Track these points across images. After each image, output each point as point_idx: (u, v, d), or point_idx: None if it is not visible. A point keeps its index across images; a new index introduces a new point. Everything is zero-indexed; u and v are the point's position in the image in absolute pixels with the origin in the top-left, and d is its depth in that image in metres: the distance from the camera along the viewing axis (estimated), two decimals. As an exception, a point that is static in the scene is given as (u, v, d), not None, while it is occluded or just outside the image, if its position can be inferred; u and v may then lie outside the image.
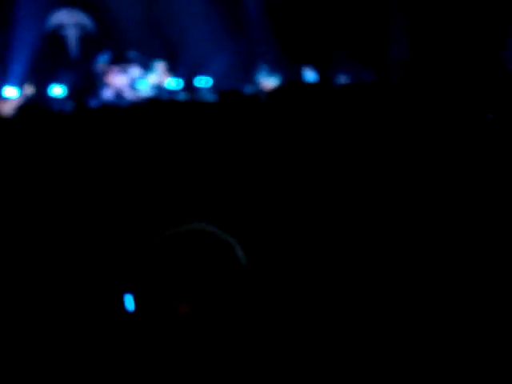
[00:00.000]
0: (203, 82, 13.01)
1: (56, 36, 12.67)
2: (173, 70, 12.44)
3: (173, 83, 12.30)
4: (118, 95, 11.72)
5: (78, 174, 3.64)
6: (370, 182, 3.21)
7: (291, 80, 11.18)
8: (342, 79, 11.59)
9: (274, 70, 12.22)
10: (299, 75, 12.18)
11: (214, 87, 12.22)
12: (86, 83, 12.15)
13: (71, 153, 3.93)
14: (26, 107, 6.04)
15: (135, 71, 12.31)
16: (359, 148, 3.51)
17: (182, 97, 11.95)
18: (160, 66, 12.15)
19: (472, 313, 2.08)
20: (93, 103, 11.33)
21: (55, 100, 11.63)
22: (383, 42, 13.04)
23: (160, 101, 6.03)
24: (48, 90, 11.72)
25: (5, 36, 11.52)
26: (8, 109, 10.64)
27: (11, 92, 10.85)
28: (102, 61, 12.19)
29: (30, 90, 11.00)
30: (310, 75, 12.16)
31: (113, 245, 2.76)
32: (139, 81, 12.23)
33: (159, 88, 12.08)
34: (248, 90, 9.85)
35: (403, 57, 12.00)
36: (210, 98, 12.01)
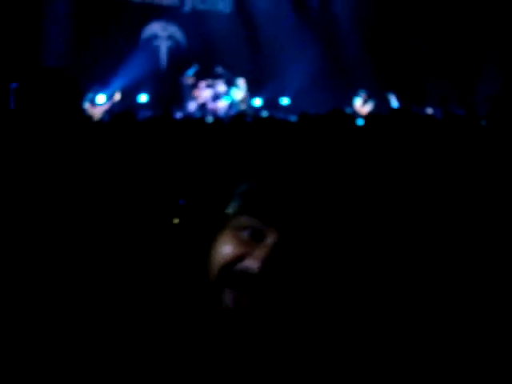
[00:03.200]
0: (286, 102, 13.13)
1: (149, 46, 13.07)
2: (257, 89, 12.60)
3: (257, 101, 12.46)
4: (203, 108, 11.95)
5: (154, 176, 3.73)
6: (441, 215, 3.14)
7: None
8: (429, 111, 11.44)
9: (369, 95, 12.22)
10: (387, 102, 12.14)
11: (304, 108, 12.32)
12: (173, 94, 12.44)
13: (151, 158, 4.04)
14: (114, 114, 6.23)
15: (221, 86, 12.55)
16: (434, 176, 3.45)
17: (265, 114, 12.08)
18: (243, 83, 12.33)
19: (472, 312, 2.05)
20: (178, 114, 11.60)
21: (142, 108, 11.97)
22: (474, 77, 12.80)
23: (242, 117, 6.11)
24: (136, 98, 12.07)
25: (98, 45, 11.97)
26: (96, 114, 11.04)
27: (100, 98, 11.23)
28: (189, 73, 12.48)
29: (118, 96, 11.36)
30: (394, 103, 12.08)
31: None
32: (224, 96, 12.45)
33: (242, 104, 12.26)
34: (348, 111, 9.83)
35: (492, 92, 11.75)
36: (291, 118, 12.10)
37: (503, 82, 12.29)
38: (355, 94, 12.36)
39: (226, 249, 1.14)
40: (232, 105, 12.41)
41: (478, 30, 12.72)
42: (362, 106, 12.22)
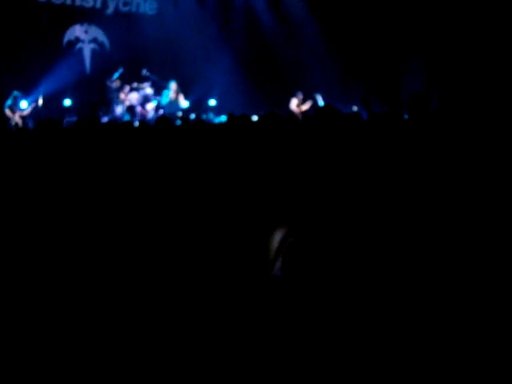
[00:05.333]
0: (213, 104, 13.13)
1: (72, 50, 12.81)
2: (184, 91, 12.54)
3: (185, 103, 12.40)
4: (131, 112, 11.79)
5: (81, 184, 3.66)
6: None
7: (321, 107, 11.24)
8: (354, 108, 11.69)
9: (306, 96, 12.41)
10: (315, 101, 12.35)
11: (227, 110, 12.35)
12: (99, 98, 12.24)
13: (78, 164, 3.96)
14: (37, 120, 6.08)
15: (148, 89, 12.42)
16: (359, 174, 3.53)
17: (192, 117, 12.04)
18: (173, 86, 12.25)
19: (472, 312, 2.08)
20: (105, 118, 11.41)
21: (66, 113, 11.72)
22: (397, 77, 13.15)
23: (170, 120, 6.07)
24: (60, 103, 11.81)
25: (18, 48, 11.65)
26: (17, 119, 10.74)
27: (22, 104, 10.97)
28: (114, 77, 12.30)
29: (40, 101, 11.11)
30: (321, 102, 12.29)
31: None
32: (151, 99, 12.33)
33: (171, 106, 12.17)
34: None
35: (416, 91, 12.11)
36: (218, 119, 12.13)
37: (425, 82, 12.66)
38: (292, 94, 12.51)
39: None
40: (159, 108, 12.30)
41: (401, 30, 13.06)
42: (298, 106, 12.38)
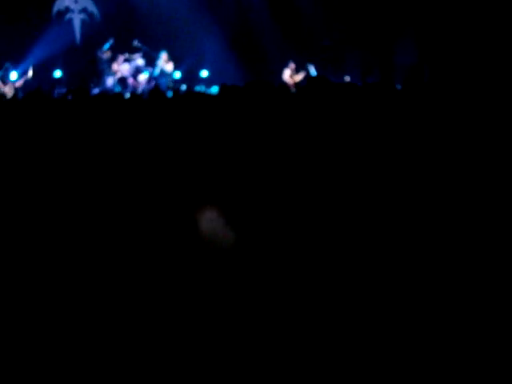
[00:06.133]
0: (205, 75, 13.02)
1: (61, 20, 12.64)
2: (175, 62, 12.41)
3: (176, 74, 12.28)
4: (122, 83, 11.68)
5: (72, 160, 3.62)
6: (365, 185, 3.20)
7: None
8: (347, 79, 11.61)
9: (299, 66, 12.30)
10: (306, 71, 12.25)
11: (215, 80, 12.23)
12: (89, 69, 12.11)
13: (67, 137, 3.91)
14: (28, 91, 6.01)
15: (139, 60, 12.27)
16: (356, 147, 3.50)
17: (183, 87, 11.94)
18: (163, 56, 12.12)
19: (472, 311, 2.07)
20: (95, 90, 11.30)
21: (56, 84, 11.60)
22: (390, 48, 13.08)
23: (161, 91, 6.01)
24: (50, 74, 11.69)
25: (10, 20, 11.50)
26: (8, 91, 10.63)
27: (12, 75, 10.85)
28: (105, 48, 12.15)
29: (30, 73, 10.98)
30: (313, 72, 12.20)
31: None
32: (143, 70, 12.20)
33: (162, 76, 12.07)
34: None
35: (408, 62, 12.03)
36: (210, 89, 12.03)
37: (418, 53, 12.58)
38: (284, 65, 12.40)
39: None
40: (152, 79, 12.18)
41: (394, 2, 12.95)
42: (291, 76, 12.29)
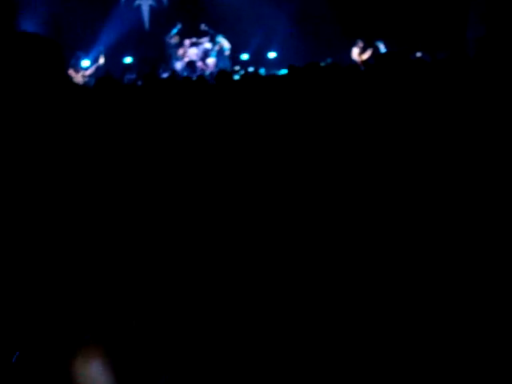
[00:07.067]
0: (273, 56, 12.98)
1: (130, 7, 12.84)
2: (243, 45, 12.44)
3: (244, 56, 12.32)
4: (191, 67, 11.80)
5: (144, 145, 3.68)
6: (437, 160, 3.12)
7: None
8: (418, 55, 11.34)
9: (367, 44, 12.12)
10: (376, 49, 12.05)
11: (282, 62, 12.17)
12: (158, 54, 12.28)
13: (140, 121, 3.98)
14: (99, 77, 6.14)
15: (207, 43, 12.37)
16: (432, 118, 3.42)
17: (252, 69, 11.95)
18: (221, 39, 12.21)
19: (471, 310, 2.02)
20: (164, 74, 11.46)
21: (127, 70, 11.81)
22: (461, 22, 12.70)
23: (229, 73, 6.03)
24: (120, 60, 11.91)
25: (77, 7, 11.74)
26: (80, 79, 10.89)
27: (84, 63, 11.09)
28: (173, 32, 12.29)
29: (102, 60, 11.21)
30: (382, 49, 11.98)
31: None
32: (210, 53, 12.29)
33: (230, 60, 12.14)
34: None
35: (479, 35, 11.64)
36: (278, 71, 11.99)
37: (488, 27, 12.17)
38: (353, 43, 12.24)
39: None
40: (219, 61, 12.27)
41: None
42: (359, 54, 12.13)
